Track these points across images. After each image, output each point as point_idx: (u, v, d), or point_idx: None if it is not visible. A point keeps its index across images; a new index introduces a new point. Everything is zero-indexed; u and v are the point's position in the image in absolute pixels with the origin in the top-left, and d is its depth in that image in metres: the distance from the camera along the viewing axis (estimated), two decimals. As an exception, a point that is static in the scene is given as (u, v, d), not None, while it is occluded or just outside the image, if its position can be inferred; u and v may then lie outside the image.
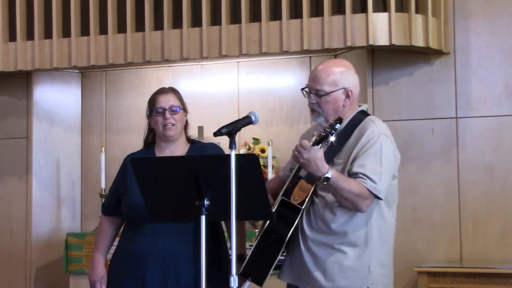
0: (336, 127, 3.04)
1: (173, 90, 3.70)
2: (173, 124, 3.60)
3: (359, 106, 3.42)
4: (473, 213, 5.27)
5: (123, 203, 3.64)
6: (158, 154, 3.66)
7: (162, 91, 3.69)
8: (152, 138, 3.72)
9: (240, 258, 3.46)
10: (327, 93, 3.30)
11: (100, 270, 3.70)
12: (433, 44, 5.14)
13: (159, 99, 3.64)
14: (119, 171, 3.76)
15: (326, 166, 3.11)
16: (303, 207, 3.26)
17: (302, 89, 3.40)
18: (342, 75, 3.33)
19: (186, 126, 3.71)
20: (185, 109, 3.68)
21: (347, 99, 3.34)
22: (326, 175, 3.10)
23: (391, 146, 3.31)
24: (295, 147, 3.14)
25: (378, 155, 3.21)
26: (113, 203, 3.72)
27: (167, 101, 3.62)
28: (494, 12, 5.30)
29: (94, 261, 3.72)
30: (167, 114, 3.59)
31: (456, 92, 5.34)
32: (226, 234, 3.67)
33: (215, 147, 3.77)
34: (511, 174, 5.22)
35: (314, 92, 3.33)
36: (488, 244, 5.23)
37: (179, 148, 3.66)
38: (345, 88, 3.33)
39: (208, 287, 2.97)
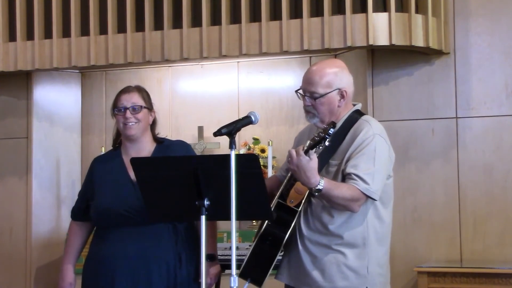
0: (330, 132, 3.03)
1: (137, 89, 3.61)
2: (135, 123, 3.52)
3: (354, 105, 3.40)
4: (473, 213, 5.26)
5: (90, 207, 3.58)
6: (124, 154, 3.58)
7: (126, 89, 3.61)
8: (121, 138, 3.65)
9: (211, 257, 3.49)
10: (322, 95, 3.28)
11: (69, 277, 3.65)
12: (433, 44, 5.14)
13: (121, 97, 3.57)
14: (86, 175, 3.69)
15: (318, 177, 3.07)
16: (299, 210, 3.25)
17: (296, 91, 3.38)
18: (336, 76, 3.31)
19: (153, 125, 3.63)
20: (149, 108, 3.58)
21: (342, 100, 3.32)
22: (317, 187, 3.08)
23: (385, 146, 3.29)
24: (288, 152, 3.12)
25: (372, 155, 3.20)
26: (82, 208, 3.65)
27: (129, 99, 3.55)
28: (494, 12, 5.30)
29: (63, 268, 3.68)
30: (128, 113, 3.51)
31: (456, 92, 5.34)
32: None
33: (183, 144, 3.69)
34: (511, 174, 5.22)
35: (308, 94, 3.31)
36: (488, 244, 5.22)
37: (145, 149, 3.58)
38: (339, 89, 3.31)
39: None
